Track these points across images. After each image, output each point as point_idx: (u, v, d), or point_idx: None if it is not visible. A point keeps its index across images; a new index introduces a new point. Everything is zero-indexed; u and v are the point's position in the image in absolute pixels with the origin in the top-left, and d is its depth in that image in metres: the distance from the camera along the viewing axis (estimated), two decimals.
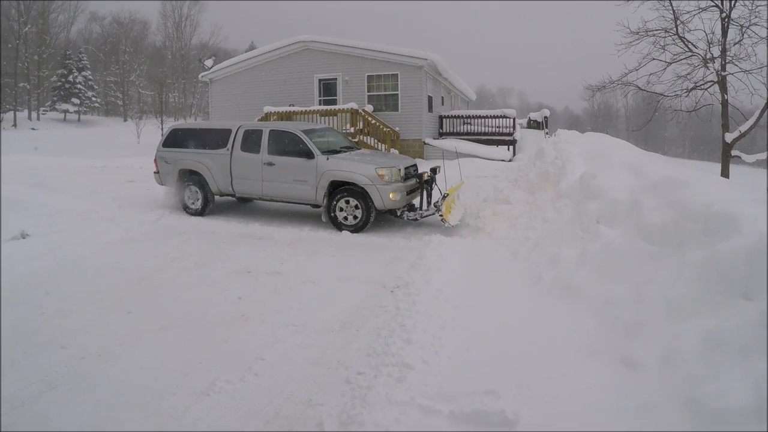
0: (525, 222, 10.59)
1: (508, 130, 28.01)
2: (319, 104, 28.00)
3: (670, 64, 19.72)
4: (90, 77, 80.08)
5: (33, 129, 62.77)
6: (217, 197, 14.98)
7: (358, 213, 12.69)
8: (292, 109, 26.46)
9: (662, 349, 5.24)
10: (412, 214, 12.88)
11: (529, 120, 38.39)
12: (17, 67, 74.33)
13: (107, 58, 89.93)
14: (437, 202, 12.49)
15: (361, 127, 24.89)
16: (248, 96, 29.57)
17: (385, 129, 24.76)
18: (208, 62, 33.46)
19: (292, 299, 8.09)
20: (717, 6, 18.26)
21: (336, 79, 28.14)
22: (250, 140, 14.13)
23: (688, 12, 18.90)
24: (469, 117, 29.76)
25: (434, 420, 4.69)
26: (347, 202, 12.76)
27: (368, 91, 27.44)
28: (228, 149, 14.34)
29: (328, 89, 28.51)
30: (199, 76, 33.59)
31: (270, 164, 13.69)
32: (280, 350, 6.35)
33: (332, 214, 12.88)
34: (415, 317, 6.82)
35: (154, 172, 15.79)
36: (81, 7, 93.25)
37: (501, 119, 28.31)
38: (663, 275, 6.24)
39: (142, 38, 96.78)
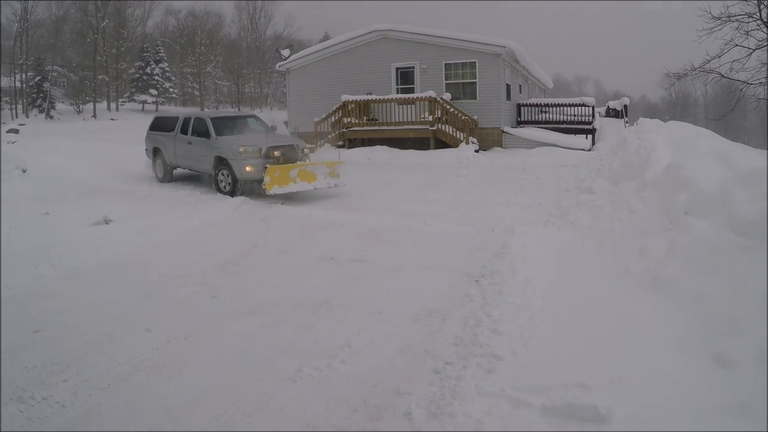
0: (609, 212, 10.35)
1: (587, 119, 27.51)
2: (397, 92, 27.92)
3: (754, 50, 19.13)
4: (167, 69, 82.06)
5: (112, 119, 64.55)
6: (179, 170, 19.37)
7: (230, 181, 15.90)
8: (369, 97, 26.47)
9: (757, 347, 5.05)
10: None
11: (608, 108, 37.74)
12: (96, 60, 76.72)
13: (183, 50, 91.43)
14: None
15: (439, 116, 24.70)
16: (325, 85, 29.65)
17: (463, 117, 24.52)
18: (285, 52, 33.61)
19: (377, 287, 8.10)
20: None
21: (413, 67, 28.02)
22: (185, 125, 18.18)
23: None
24: (547, 105, 29.32)
25: (525, 413, 4.60)
26: (224, 173, 16.07)
27: (446, 80, 27.23)
28: (174, 132, 18.51)
29: (405, 77, 28.40)
30: (276, 65, 33.89)
31: (190, 143, 17.62)
32: (366, 338, 6.35)
33: (216, 182, 16.31)
34: (503, 307, 6.70)
35: (145, 149, 20.58)
36: (156, 2, 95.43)
37: (580, 107, 27.79)
38: (757, 270, 6.03)
39: (218, 30, 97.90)
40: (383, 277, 8.54)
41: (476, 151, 23.55)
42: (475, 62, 26.64)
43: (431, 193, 15.51)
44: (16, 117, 66.92)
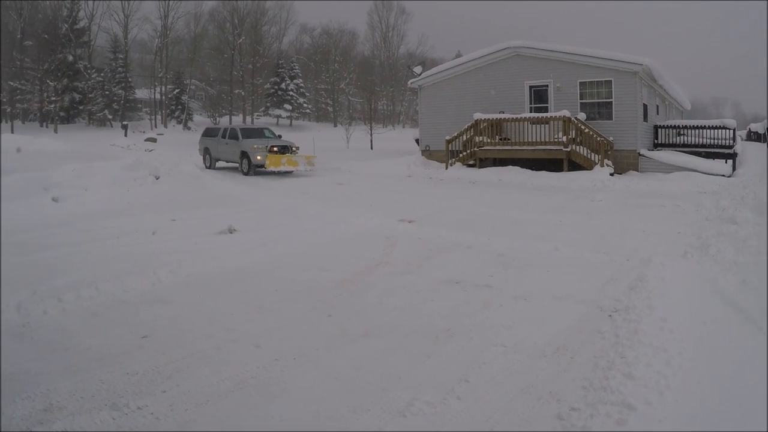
0: (755, 246, 9.65)
1: (727, 143, 26.16)
2: (530, 111, 27.48)
3: None
4: (301, 85, 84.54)
5: None
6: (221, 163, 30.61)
7: (248, 165, 27.02)
8: (502, 116, 26.16)
9: None
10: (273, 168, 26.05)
11: (749, 132, 36.26)
12: (232, 75, 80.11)
13: (318, 67, 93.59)
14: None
15: (573, 136, 24.07)
16: (457, 102, 29.64)
17: (598, 139, 23.82)
18: (417, 69, 33.71)
19: (503, 316, 7.65)
20: None
21: (547, 85, 27.50)
22: (224, 132, 29.52)
23: None
24: (684, 127, 28.16)
25: None
26: (245, 161, 27.14)
27: (580, 99, 26.57)
28: (218, 137, 29.73)
29: (539, 96, 27.91)
30: (408, 83, 34.03)
31: (227, 143, 28.75)
32: (486, 372, 5.92)
33: (241, 166, 27.42)
34: (637, 348, 6.13)
35: (198, 149, 32.43)
36: (291, 20, 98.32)
37: (720, 130, 26.51)
38: None
39: (351, 48, 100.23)
40: (509, 305, 8.11)
41: (611, 175, 22.83)
42: (611, 81, 25.88)
43: (563, 217, 15.07)
44: (155, 127, 70.48)
